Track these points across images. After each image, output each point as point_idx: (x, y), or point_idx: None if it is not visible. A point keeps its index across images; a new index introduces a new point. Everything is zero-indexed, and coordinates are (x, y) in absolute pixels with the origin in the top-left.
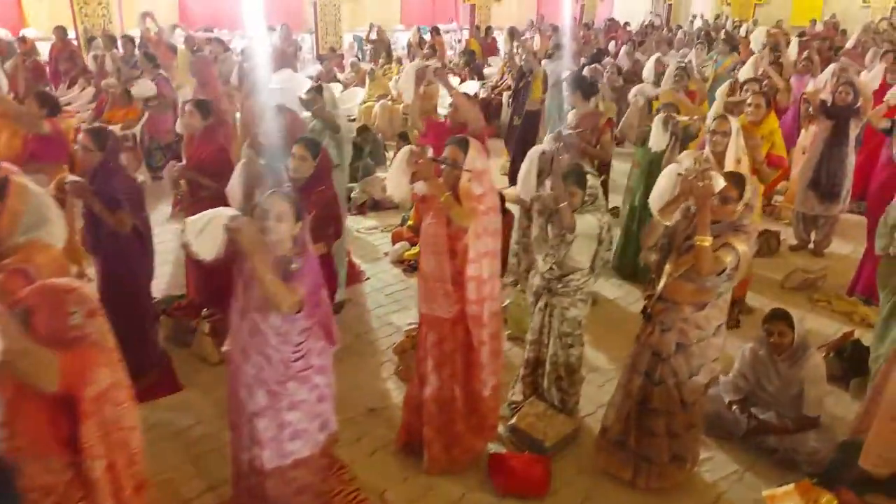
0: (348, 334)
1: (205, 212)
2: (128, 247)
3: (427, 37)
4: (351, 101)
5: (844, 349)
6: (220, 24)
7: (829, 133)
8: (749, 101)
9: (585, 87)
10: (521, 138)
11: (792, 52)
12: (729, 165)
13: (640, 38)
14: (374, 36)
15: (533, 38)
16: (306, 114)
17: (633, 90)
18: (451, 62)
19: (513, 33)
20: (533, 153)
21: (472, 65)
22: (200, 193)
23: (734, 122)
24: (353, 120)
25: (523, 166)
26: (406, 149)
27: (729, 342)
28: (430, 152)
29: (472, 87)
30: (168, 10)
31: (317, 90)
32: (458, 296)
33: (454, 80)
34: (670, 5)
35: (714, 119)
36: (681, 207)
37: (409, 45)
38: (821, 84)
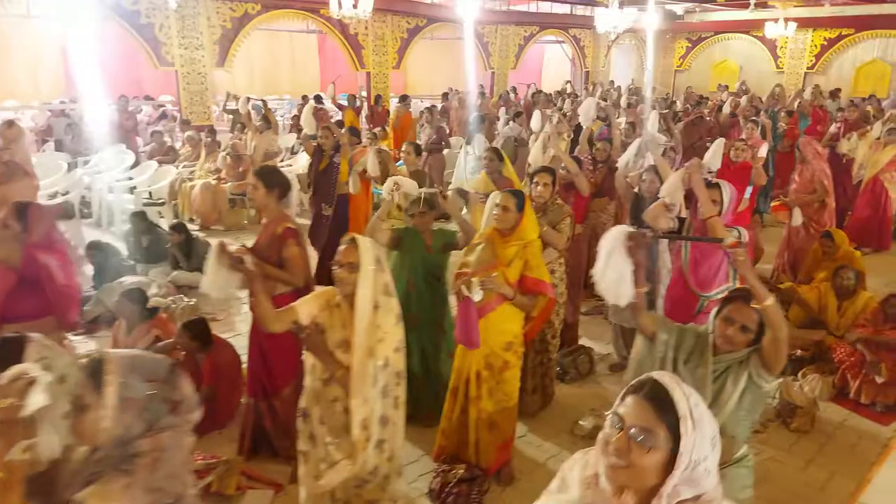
0: None
1: None
2: None
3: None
4: (160, 181)
5: None
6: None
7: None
8: (497, 201)
9: (282, 184)
10: (335, 230)
11: (652, 125)
12: (361, 317)
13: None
14: (231, 105)
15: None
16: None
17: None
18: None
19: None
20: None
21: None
22: None
23: (369, 249)
24: (162, 203)
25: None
26: None
27: None
28: None
29: None
30: (55, 80)
31: None
32: None
33: (304, 156)
34: (587, 73)
35: (342, 245)
36: None
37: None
38: (622, 165)
